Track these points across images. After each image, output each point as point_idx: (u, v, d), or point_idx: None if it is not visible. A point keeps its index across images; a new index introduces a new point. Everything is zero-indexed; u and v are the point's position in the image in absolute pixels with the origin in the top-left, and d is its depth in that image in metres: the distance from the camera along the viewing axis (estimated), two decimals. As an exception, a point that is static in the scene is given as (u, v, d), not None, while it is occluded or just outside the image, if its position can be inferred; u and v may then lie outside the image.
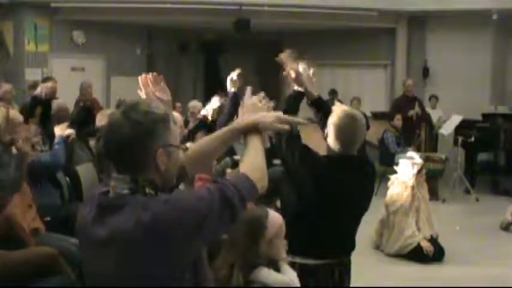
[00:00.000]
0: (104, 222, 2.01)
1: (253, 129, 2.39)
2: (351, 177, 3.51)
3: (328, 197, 3.45)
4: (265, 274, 3.51)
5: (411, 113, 11.02)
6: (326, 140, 3.58)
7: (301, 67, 3.80)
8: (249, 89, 2.58)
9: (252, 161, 2.31)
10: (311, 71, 3.86)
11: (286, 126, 2.43)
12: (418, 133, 11.14)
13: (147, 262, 1.97)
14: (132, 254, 1.97)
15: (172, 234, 1.96)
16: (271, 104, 2.59)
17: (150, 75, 2.87)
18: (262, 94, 2.57)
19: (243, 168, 2.25)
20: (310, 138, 4.07)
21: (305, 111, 4.00)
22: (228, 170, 6.01)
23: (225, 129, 2.48)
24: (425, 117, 11.53)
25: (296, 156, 3.45)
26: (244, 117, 2.43)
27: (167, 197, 2.03)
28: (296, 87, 3.75)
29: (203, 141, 2.55)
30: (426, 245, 6.88)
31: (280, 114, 2.44)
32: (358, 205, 3.62)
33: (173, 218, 1.96)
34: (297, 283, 3.43)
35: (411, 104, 11.24)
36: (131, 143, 2.03)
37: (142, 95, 2.91)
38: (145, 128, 2.04)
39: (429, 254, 6.84)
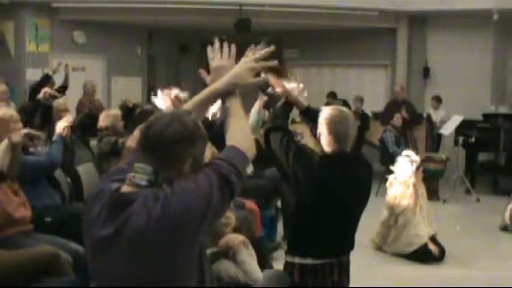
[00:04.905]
0: (116, 220, 2.03)
1: (230, 92, 2.45)
2: (347, 175, 3.53)
3: (325, 196, 3.47)
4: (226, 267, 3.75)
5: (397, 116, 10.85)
6: (319, 141, 3.61)
7: (291, 85, 3.84)
8: (209, 49, 2.59)
9: (238, 131, 2.37)
10: (301, 86, 3.89)
11: (261, 78, 2.56)
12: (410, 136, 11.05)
13: (161, 253, 2.02)
14: (146, 247, 2.01)
15: (183, 225, 2.02)
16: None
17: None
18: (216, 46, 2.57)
19: (231, 141, 2.31)
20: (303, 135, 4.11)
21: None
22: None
23: (205, 93, 2.51)
24: (412, 122, 11.35)
25: (290, 157, 3.47)
26: (221, 80, 2.47)
27: (173, 188, 2.06)
28: (285, 99, 3.80)
29: (187, 106, 2.56)
30: (434, 248, 6.88)
31: (249, 64, 2.48)
32: (356, 204, 3.63)
33: (182, 208, 2.02)
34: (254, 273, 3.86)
35: (400, 108, 11.23)
36: (172, 140, 2.08)
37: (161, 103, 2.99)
38: (190, 133, 2.11)
39: (437, 255, 6.86)
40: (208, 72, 2.59)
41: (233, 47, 2.56)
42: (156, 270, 2.02)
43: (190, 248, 2.09)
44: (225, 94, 2.46)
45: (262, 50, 2.54)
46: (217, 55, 2.55)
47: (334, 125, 3.53)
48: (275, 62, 2.59)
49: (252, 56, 2.51)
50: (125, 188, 2.09)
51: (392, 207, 7.14)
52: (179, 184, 2.07)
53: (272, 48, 2.57)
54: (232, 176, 2.14)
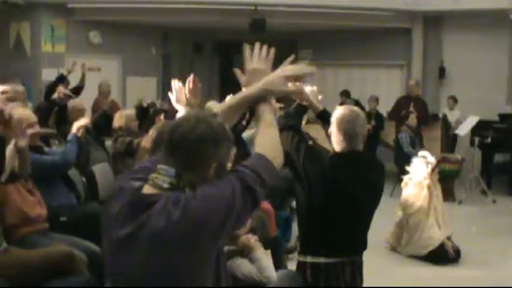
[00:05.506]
0: (135, 221, 2.02)
1: (262, 98, 2.43)
2: (358, 175, 3.53)
3: (336, 196, 3.47)
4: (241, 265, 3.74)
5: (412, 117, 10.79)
6: (330, 139, 3.64)
7: (307, 89, 3.85)
8: (247, 49, 2.56)
9: (266, 138, 2.34)
10: (316, 90, 3.91)
11: (294, 89, 2.58)
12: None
13: (176, 257, 2.00)
14: (163, 250, 1.99)
15: (202, 229, 2.00)
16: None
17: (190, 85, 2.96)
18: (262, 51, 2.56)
19: (259, 147, 2.28)
20: (319, 135, 4.12)
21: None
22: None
23: (237, 97, 2.48)
24: (424, 119, 11.28)
25: (301, 157, 3.48)
26: (254, 85, 2.45)
27: (195, 192, 2.04)
28: (300, 101, 3.82)
29: (217, 110, 2.53)
30: (449, 249, 6.85)
31: (284, 73, 2.46)
32: (368, 203, 3.63)
33: (202, 213, 1.99)
34: (268, 271, 3.85)
35: (411, 103, 11.17)
36: (197, 141, 2.05)
37: (173, 98, 2.99)
38: (215, 135, 2.08)
39: (451, 254, 6.83)
40: (242, 70, 2.57)
41: (272, 50, 2.54)
42: (171, 273, 2.01)
43: (208, 253, 2.07)
44: (257, 100, 2.43)
45: (302, 62, 2.53)
46: (255, 58, 2.52)
47: (344, 124, 3.55)
48: (312, 69, 2.56)
49: (290, 65, 2.49)
50: (147, 189, 2.08)
51: (405, 208, 7.12)
52: (201, 189, 2.05)
53: (313, 69, 2.55)
54: (256, 184, 2.11)
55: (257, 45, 2.54)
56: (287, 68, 2.47)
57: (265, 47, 2.54)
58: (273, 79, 2.43)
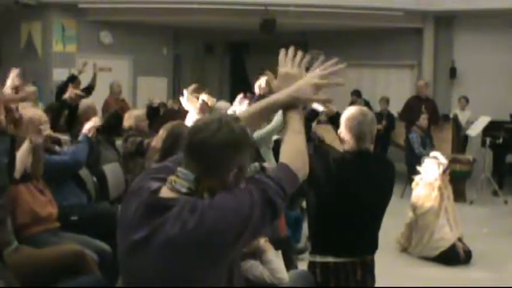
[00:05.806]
0: (150, 224, 2.00)
1: (291, 105, 2.39)
2: (366, 174, 3.53)
3: (343, 195, 3.47)
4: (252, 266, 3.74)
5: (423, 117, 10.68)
6: (340, 139, 3.65)
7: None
8: (282, 54, 2.50)
9: (293, 147, 2.29)
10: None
11: (323, 98, 2.50)
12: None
13: (190, 264, 1.97)
14: (176, 256, 1.97)
15: (217, 239, 1.96)
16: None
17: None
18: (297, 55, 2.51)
19: (284, 156, 2.25)
20: (327, 137, 4.14)
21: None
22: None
23: (265, 102, 2.44)
24: (434, 120, 11.21)
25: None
26: (283, 91, 2.40)
27: (213, 201, 2.00)
28: (313, 106, 3.83)
29: (243, 113, 2.49)
30: (461, 248, 6.83)
31: (314, 80, 2.41)
32: (376, 203, 3.62)
33: (218, 223, 1.95)
34: (280, 271, 3.83)
35: (422, 104, 11.11)
36: (219, 147, 2.01)
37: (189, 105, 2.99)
38: (237, 140, 2.04)
39: (462, 256, 6.80)
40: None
41: (307, 56, 2.50)
42: (183, 278, 1.99)
43: (221, 261, 2.03)
44: (285, 106, 2.39)
45: (330, 67, 2.46)
46: (289, 62, 2.47)
47: (352, 123, 3.56)
48: (341, 81, 2.53)
49: (319, 72, 2.44)
50: (165, 192, 2.05)
51: (415, 209, 7.10)
52: (220, 197, 2.01)
53: (343, 65, 2.49)
54: (277, 197, 2.07)
55: (291, 49, 2.49)
56: (317, 76, 2.43)
57: (299, 52, 2.49)
58: (302, 86, 2.38)
